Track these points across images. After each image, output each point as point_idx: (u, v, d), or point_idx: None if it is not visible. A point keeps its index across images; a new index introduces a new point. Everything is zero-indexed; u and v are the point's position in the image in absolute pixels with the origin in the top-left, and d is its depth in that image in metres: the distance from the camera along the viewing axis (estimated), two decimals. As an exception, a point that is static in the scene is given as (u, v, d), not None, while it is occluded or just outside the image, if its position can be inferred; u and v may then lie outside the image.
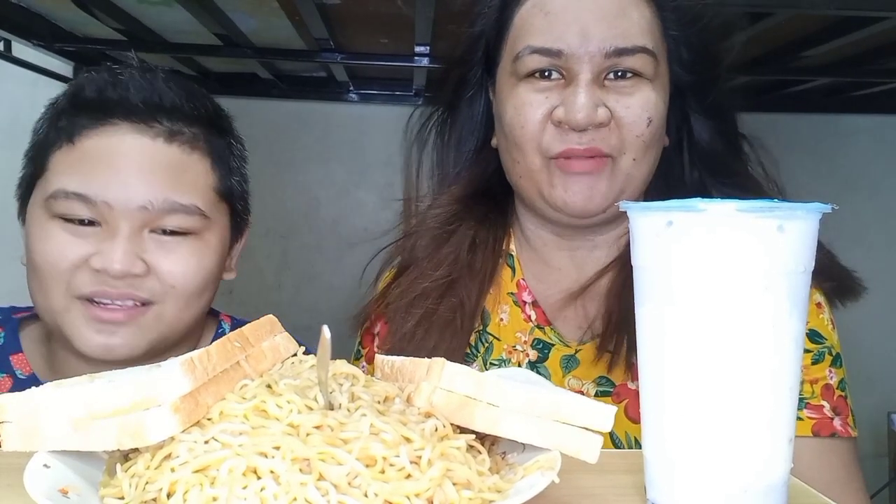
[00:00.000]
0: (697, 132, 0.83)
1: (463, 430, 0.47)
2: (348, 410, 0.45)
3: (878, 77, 1.47)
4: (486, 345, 0.85)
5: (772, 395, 0.44)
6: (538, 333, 0.83)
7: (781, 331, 0.44)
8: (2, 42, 1.29)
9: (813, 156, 1.73)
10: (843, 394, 0.75)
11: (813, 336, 0.76)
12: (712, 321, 0.43)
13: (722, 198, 0.44)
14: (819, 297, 0.78)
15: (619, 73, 0.75)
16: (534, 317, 0.84)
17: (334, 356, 0.48)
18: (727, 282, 0.43)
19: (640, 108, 0.75)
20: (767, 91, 1.66)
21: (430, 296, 0.82)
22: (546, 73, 0.76)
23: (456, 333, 0.81)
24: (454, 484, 0.41)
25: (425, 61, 1.37)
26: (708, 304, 0.43)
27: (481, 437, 0.48)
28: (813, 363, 0.75)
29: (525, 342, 0.83)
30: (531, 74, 0.77)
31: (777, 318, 0.43)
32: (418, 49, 1.34)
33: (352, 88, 1.71)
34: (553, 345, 0.83)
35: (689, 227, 0.44)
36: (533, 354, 0.83)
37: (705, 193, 0.81)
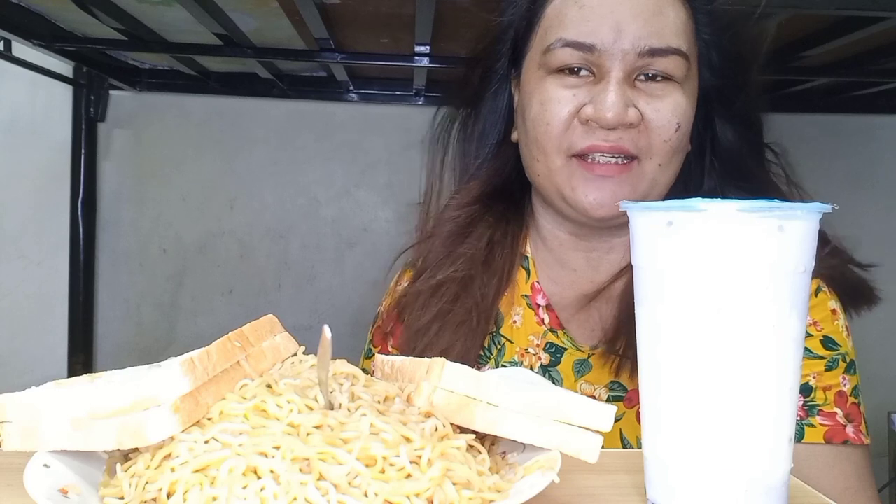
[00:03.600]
0: (722, 138, 0.81)
1: (463, 430, 0.47)
2: (348, 410, 0.45)
3: (878, 77, 1.46)
4: (499, 346, 0.84)
5: (772, 395, 0.44)
6: (551, 337, 0.83)
7: (782, 331, 0.44)
8: (2, 42, 1.29)
9: (813, 156, 1.73)
10: (856, 401, 0.74)
11: (827, 343, 0.75)
12: (712, 321, 0.43)
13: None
14: (834, 304, 0.78)
15: (651, 75, 0.74)
16: (547, 320, 0.84)
17: (334, 356, 0.48)
18: (727, 282, 0.43)
19: (671, 112, 0.74)
20: (767, 91, 1.65)
21: (445, 293, 0.82)
22: (575, 70, 0.75)
23: (470, 333, 0.81)
24: (454, 484, 0.41)
25: (425, 61, 1.36)
26: (708, 303, 0.43)
27: (481, 437, 0.48)
28: (826, 370, 0.74)
29: (538, 345, 0.83)
30: (560, 70, 0.75)
31: (777, 318, 0.43)
32: (418, 49, 1.33)
33: (352, 88, 1.71)
34: (566, 349, 0.82)
35: (689, 227, 0.43)
36: (545, 358, 0.82)
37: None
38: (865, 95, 1.65)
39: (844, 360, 0.75)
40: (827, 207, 0.43)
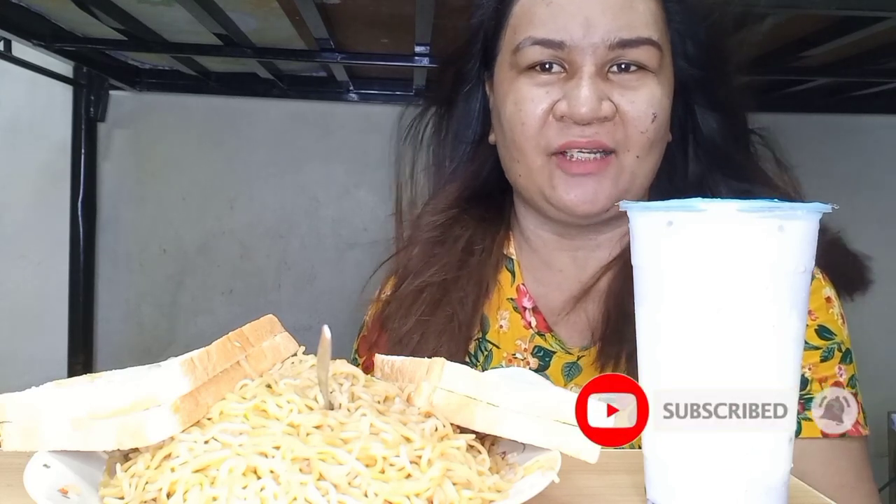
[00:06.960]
0: (704, 128, 0.80)
1: (463, 430, 0.47)
2: (348, 410, 0.45)
3: (878, 77, 1.47)
4: (486, 353, 0.83)
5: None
6: (539, 341, 0.82)
7: (782, 331, 0.44)
8: (2, 42, 1.29)
9: (813, 156, 1.72)
10: (853, 391, 0.73)
11: (822, 332, 0.74)
12: (712, 321, 0.43)
13: (728, 195, 0.44)
14: (829, 292, 0.76)
15: (623, 66, 0.73)
16: (534, 323, 0.82)
17: (334, 356, 0.48)
18: (727, 282, 0.43)
19: (646, 103, 0.73)
20: (768, 91, 1.66)
21: (425, 300, 0.81)
22: (547, 66, 0.74)
23: (453, 339, 0.80)
24: (454, 484, 0.41)
25: (425, 61, 1.36)
26: (708, 303, 0.43)
27: (481, 437, 0.48)
28: (822, 360, 0.73)
29: (525, 350, 0.82)
30: (532, 67, 0.74)
31: (777, 318, 0.43)
32: (418, 49, 1.33)
33: (352, 88, 1.71)
34: (554, 352, 0.81)
35: (690, 227, 0.43)
36: (533, 362, 0.81)
37: (710, 190, 0.79)
38: (865, 95, 1.65)
39: (840, 350, 0.74)
40: (827, 207, 0.43)
